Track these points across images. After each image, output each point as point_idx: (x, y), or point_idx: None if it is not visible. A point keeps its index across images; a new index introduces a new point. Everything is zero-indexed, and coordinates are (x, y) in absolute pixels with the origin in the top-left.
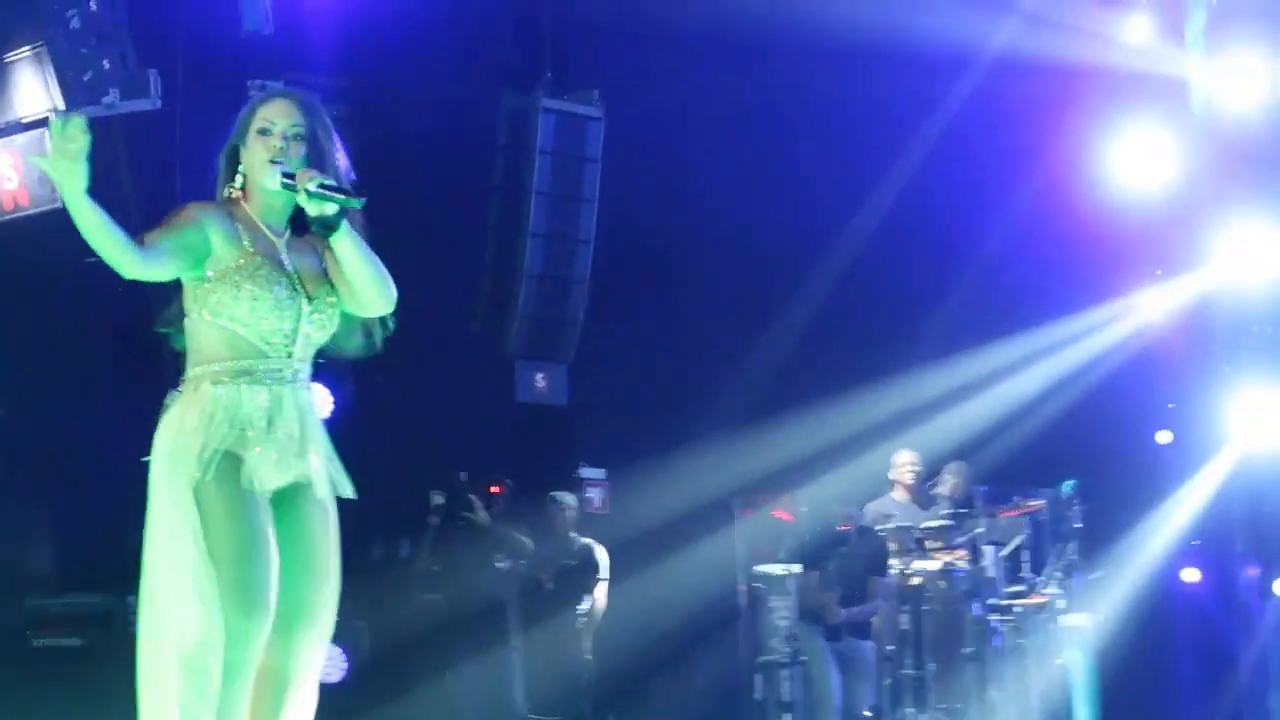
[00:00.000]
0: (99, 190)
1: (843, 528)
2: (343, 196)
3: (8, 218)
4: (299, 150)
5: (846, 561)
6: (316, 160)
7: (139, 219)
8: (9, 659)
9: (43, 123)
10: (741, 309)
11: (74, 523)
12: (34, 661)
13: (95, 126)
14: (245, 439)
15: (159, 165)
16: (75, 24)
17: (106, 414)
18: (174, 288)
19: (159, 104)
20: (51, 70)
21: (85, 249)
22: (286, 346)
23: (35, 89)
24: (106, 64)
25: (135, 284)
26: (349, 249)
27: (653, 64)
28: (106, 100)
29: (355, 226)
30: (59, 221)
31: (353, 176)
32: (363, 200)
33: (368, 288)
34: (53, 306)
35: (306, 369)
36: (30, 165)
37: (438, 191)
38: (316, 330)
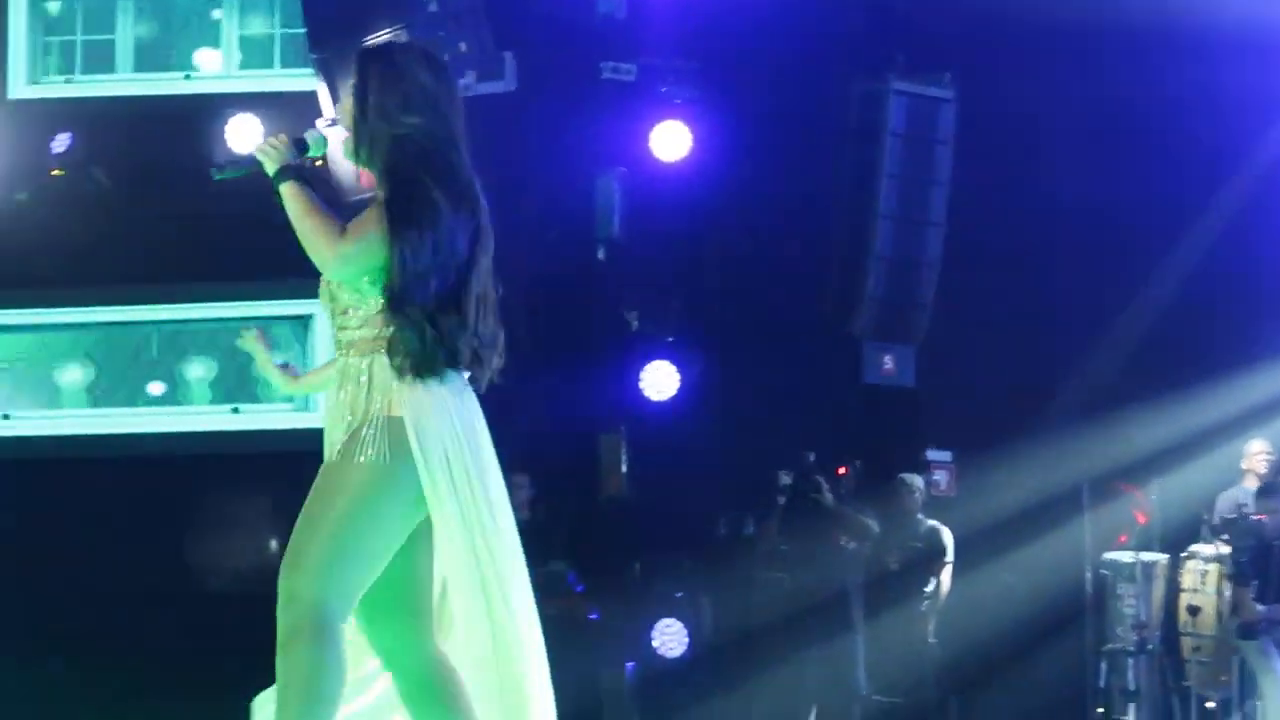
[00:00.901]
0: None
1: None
2: (246, 167)
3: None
4: (349, 107)
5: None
6: (360, 124)
7: (493, 202)
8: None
9: None
10: (1092, 295)
11: None
12: None
13: None
14: None
15: (513, 148)
16: (433, 7)
17: None
18: None
19: (514, 86)
20: None
21: None
22: (331, 315)
23: None
24: (463, 47)
25: None
26: (290, 215)
27: (1004, 44)
28: (463, 83)
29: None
30: None
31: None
32: (236, 170)
33: (310, 251)
34: None
35: (355, 335)
36: None
37: (787, 173)
38: (330, 299)
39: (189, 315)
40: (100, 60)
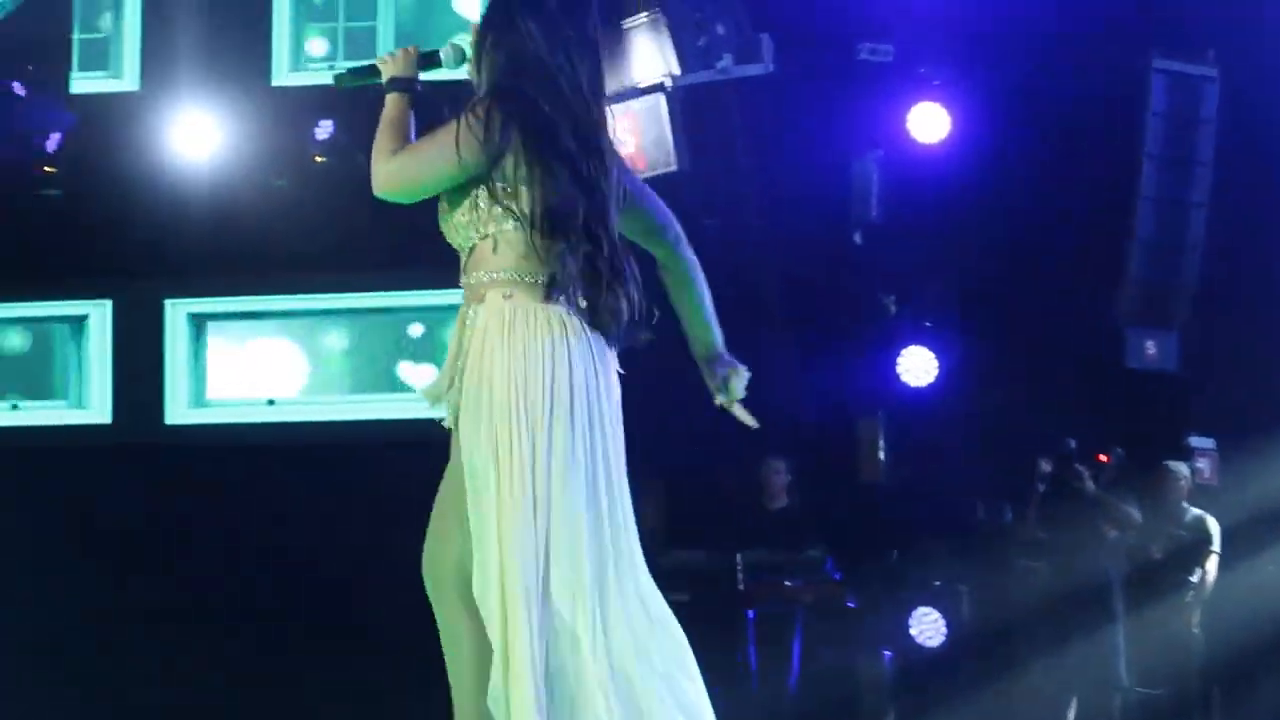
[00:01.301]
0: (714, 156)
1: None
2: (365, 75)
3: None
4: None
5: None
6: (480, 46)
7: (747, 183)
8: None
9: (658, 88)
10: None
11: (684, 480)
12: None
13: (708, 92)
14: None
15: (770, 130)
16: None
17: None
18: None
19: (771, 68)
20: (667, 36)
21: (707, 207)
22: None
23: (651, 55)
24: (720, 29)
25: None
26: None
27: (1268, 21)
28: (720, 65)
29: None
30: (671, 182)
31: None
32: (349, 79)
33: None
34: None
35: (466, 283)
36: (646, 128)
37: (1046, 155)
38: (445, 228)
39: (449, 300)
40: (362, 47)
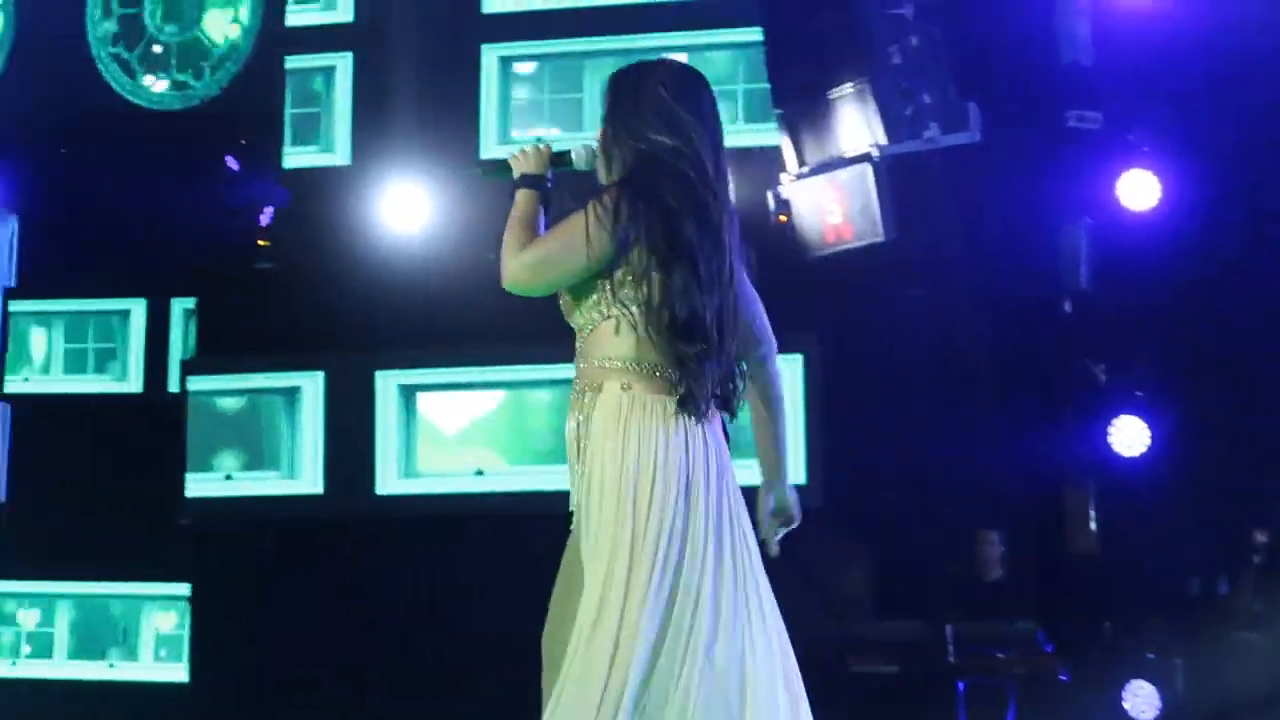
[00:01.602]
0: (920, 226)
1: None
2: (500, 169)
3: (832, 250)
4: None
5: None
6: (606, 138)
7: (954, 252)
8: (827, 683)
9: (865, 158)
10: None
11: (895, 549)
12: (850, 687)
13: (914, 161)
14: None
15: (977, 199)
16: (896, 59)
17: (929, 442)
18: None
19: (978, 137)
20: (874, 106)
21: (914, 277)
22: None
23: (858, 125)
24: (927, 98)
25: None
26: None
27: None
28: (927, 135)
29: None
30: (880, 253)
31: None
32: (486, 171)
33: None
34: (877, 332)
35: (583, 366)
36: (853, 198)
37: (1261, 220)
38: (566, 314)
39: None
40: (569, 119)
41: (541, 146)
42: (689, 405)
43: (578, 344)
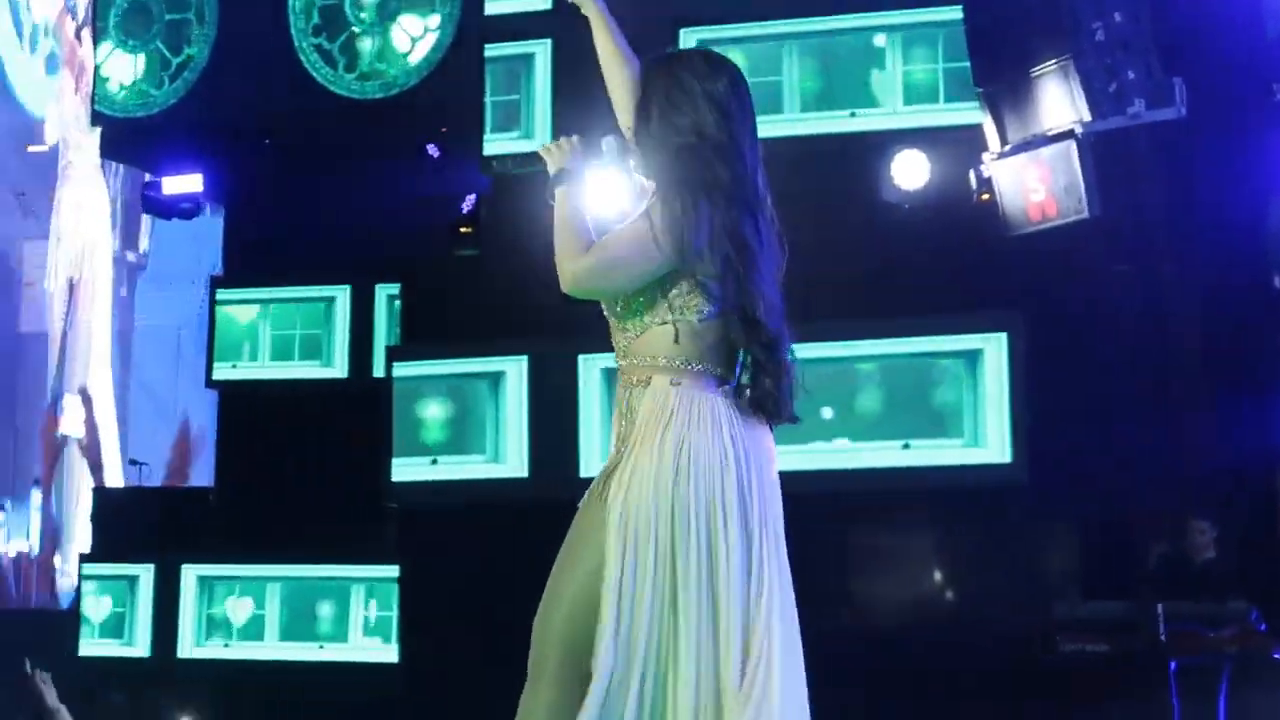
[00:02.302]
0: (1120, 200)
1: None
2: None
3: (1036, 228)
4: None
5: None
6: (639, 130)
7: (1160, 229)
8: (1036, 663)
9: (1069, 135)
10: None
11: (1101, 530)
12: (1060, 667)
13: (1119, 138)
14: None
15: (1183, 175)
16: (1100, 36)
17: (1135, 420)
18: None
19: (1183, 112)
20: (1077, 82)
21: (1119, 254)
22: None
23: (1061, 102)
24: (1131, 74)
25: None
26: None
27: None
28: (1131, 111)
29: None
30: (1089, 231)
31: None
32: (517, 166)
33: (556, 259)
34: (1082, 310)
35: (632, 362)
36: (1057, 175)
37: None
38: (609, 317)
39: (861, 351)
40: (768, 101)
41: (574, 139)
42: (744, 403)
43: (622, 342)
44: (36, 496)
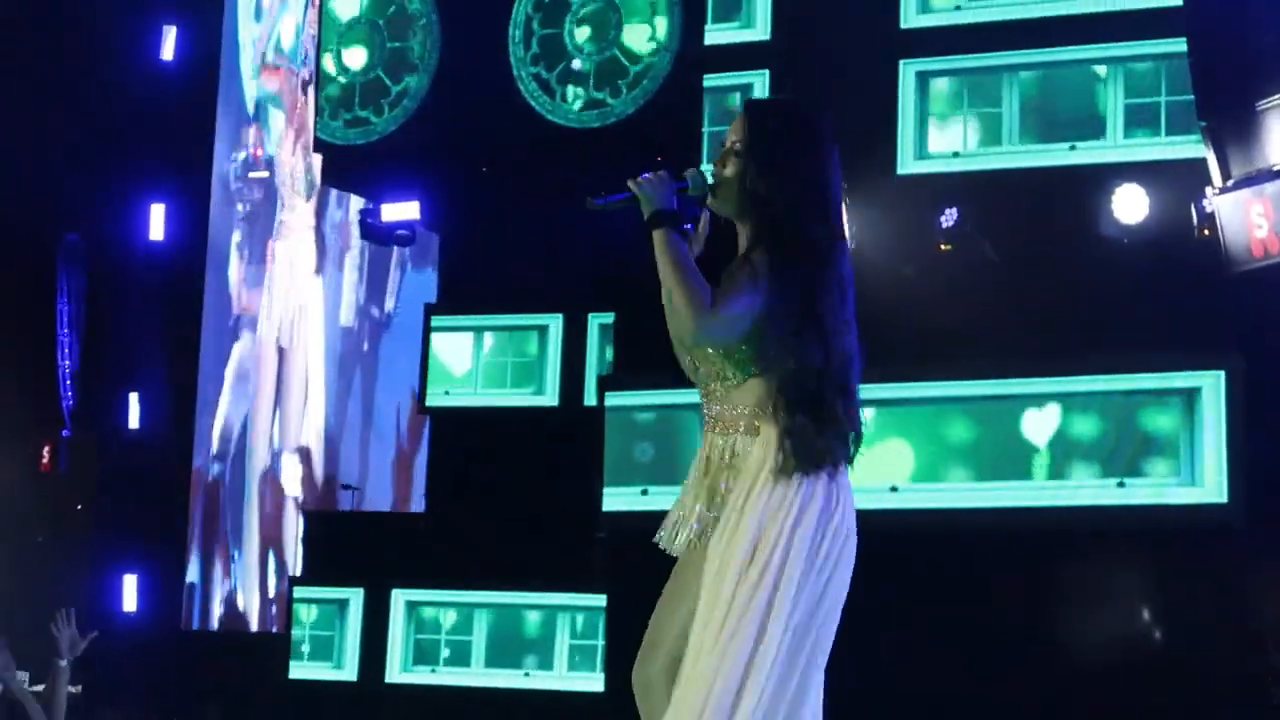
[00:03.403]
0: None
1: None
2: (621, 202)
3: (1259, 265)
4: (732, 165)
5: None
6: (752, 172)
7: None
8: (1248, 709)
9: None
10: None
11: None
12: (1273, 713)
13: None
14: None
15: None
16: None
17: None
18: None
19: None
20: None
21: None
22: (697, 383)
23: None
24: None
25: None
26: (658, 265)
27: None
28: None
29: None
30: None
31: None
32: (622, 195)
33: (669, 311)
34: None
35: (731, 411)
36: None
37: None
38: (702, 364)
39: (1077, 388)
40: (988, 133)
41: (662, 173)
42: (794, 461)
43: (718, 390)
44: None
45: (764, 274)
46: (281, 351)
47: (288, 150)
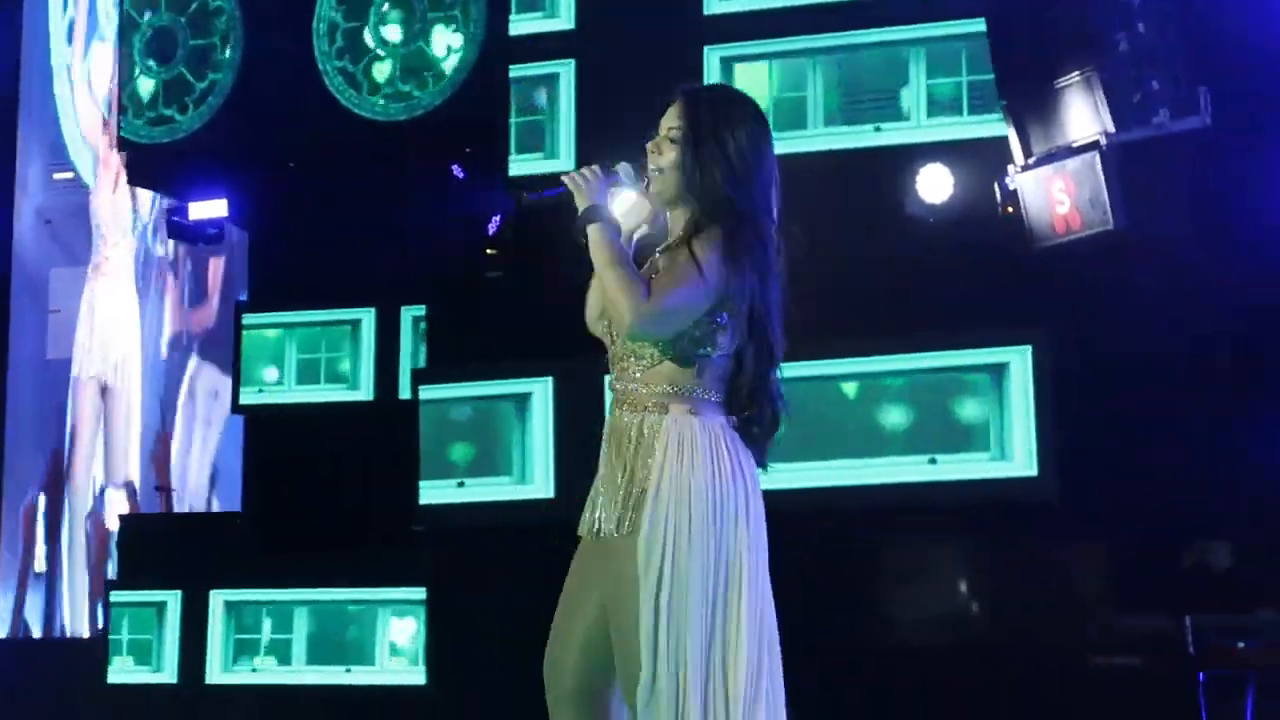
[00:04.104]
0: (1151, 214)
1: None
2: (555, 197)
3: (1061, 241)
4: (670, 151)
5: None
6: (691, 157)
7: (1187, 241)
8: (1068, 680)
9: (1093, 146)
10: None
11: (1131, 544)
12: (1091, 682)
13: (1144, 148)
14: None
15: (1210, 185)
16: (1123, 46)
17: (1164, 435)
18: None
19: (1209, 121)
20: (1101, 94)
21: (1146, 268)
22: (610, 354)
23: (1085, 113)
24: (1155, 84)
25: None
26: (594, 259)
27: None
28: (1156, 121)
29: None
30: (1110, 243)
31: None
32: (557, 190)
33: (610, 301)
34: (1109, 322)
35: (641, 390)
36: (1081, 187)
37: None
38: (619, 335)
39: (886, 367)
40: (793, 117)
41: (595, 169)
42: (747, 436)
43: (633, 369)
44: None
45: (710, 262)
46: (105, 388)
47: (106, 187)
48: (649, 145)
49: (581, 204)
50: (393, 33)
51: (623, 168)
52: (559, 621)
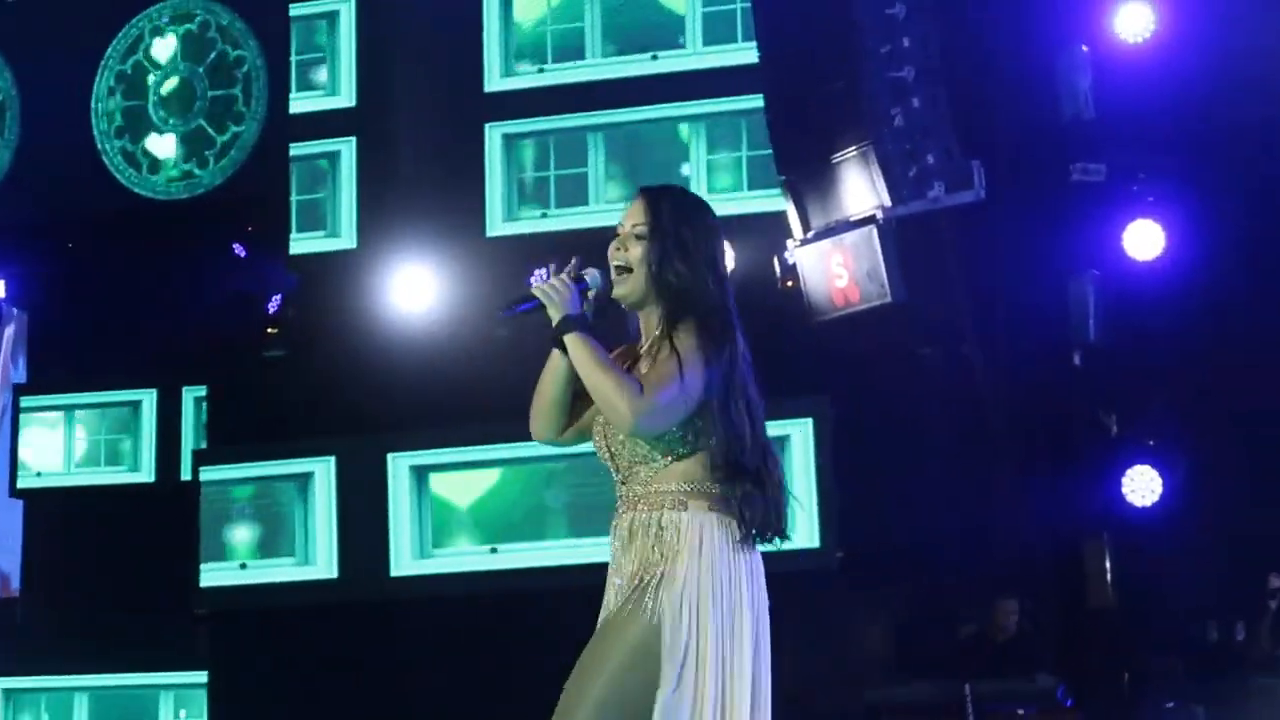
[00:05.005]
0: (929, 285)
1: None
2: (529, 311)
3: (840, 314)
4: (636, 248)
5: None
6: (658, 254)
7: (963, 310)
8: None
9: (870, 220)
10: None
11: (913, 611)
12: None
13: (920, 221)
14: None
15: (983, 256)
16: (899, 121)
17: (943, 500)
18: None
19: (982, 195)
20: (877, 168)
21: (924, 336)
22: (614, 469)
23: (862, 188)
24: (930, 158)
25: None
26: (579, 367)
27: None
28: (931, 194)
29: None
30: (895, 314)
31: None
32: (530, 304)
33: (604, 404)
34: (888, 393)
35: (658, 489)
36: (860, 261)
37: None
38: (620, 448)
39: None
40: (575, 193)
41: (564, 277)
42: (750, 531)
43: (643, 472)
44: None
45: (692, 356)
46: None
47: None
48: (611, 245)
49: (555, 315)
50: (173, 111)
51: (590, 273)
52: (567, 695)
